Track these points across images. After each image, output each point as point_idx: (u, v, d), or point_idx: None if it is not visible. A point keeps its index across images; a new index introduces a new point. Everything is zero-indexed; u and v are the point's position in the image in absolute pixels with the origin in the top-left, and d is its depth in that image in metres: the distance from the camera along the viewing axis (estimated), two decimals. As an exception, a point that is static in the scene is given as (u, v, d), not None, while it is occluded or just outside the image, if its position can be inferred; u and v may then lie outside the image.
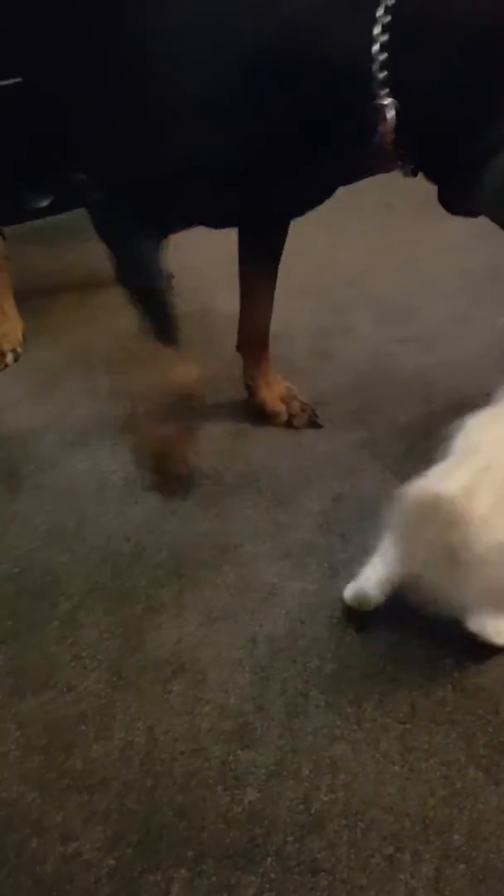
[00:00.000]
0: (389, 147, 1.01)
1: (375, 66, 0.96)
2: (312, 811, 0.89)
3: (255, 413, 1.43)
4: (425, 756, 0.93)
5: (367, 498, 1.23)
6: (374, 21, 0.95)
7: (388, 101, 0.98)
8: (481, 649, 1.02)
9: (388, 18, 0.95)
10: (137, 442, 1.31)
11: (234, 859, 0.85)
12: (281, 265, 1.34)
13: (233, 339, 1.42)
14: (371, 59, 0.96)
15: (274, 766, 0.93)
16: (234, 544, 1.20)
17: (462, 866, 0.84)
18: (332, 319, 1.69)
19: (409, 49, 0.95)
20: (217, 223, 1.23)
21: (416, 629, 1.04)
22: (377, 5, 0.95)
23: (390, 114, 0.98)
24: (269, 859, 0.85)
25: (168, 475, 1.27)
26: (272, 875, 0.84)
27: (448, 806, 0.89)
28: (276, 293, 1.37)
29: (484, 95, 0.96)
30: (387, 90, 0.97)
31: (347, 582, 1.08)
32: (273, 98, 1.02)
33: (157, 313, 1.22)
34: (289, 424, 1.41)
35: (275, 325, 1.41)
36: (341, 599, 1.08)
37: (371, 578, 1.05)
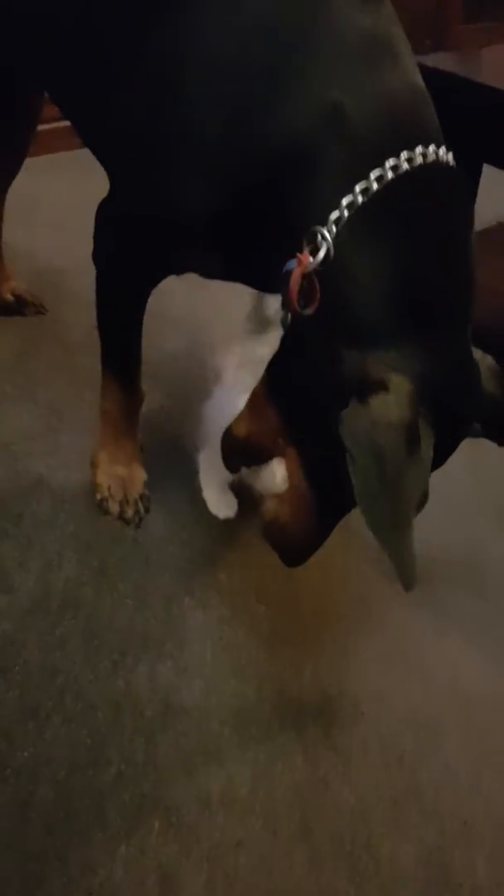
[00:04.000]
0: (294, 282, 0.86)
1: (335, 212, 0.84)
2: (56, 633, 1.11)
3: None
4: (150, 591, 1.17)
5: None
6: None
7: (326, 234, 0.84)
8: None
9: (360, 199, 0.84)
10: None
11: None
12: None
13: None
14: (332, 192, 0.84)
15: (28, 605, 1.14)
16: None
17: (169, 663, 1.09)
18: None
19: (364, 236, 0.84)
20: (204, 273, 1.11)
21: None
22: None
23: (321, 252, 0.84)
24: (17, 667, 1.07)
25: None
26: (18, 678, 1.05)
27: (163, 624, 1.14)
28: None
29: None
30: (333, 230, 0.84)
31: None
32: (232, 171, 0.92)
33: (120, 348, 1.21)
34: None
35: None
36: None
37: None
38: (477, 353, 0.90)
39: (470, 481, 1.39)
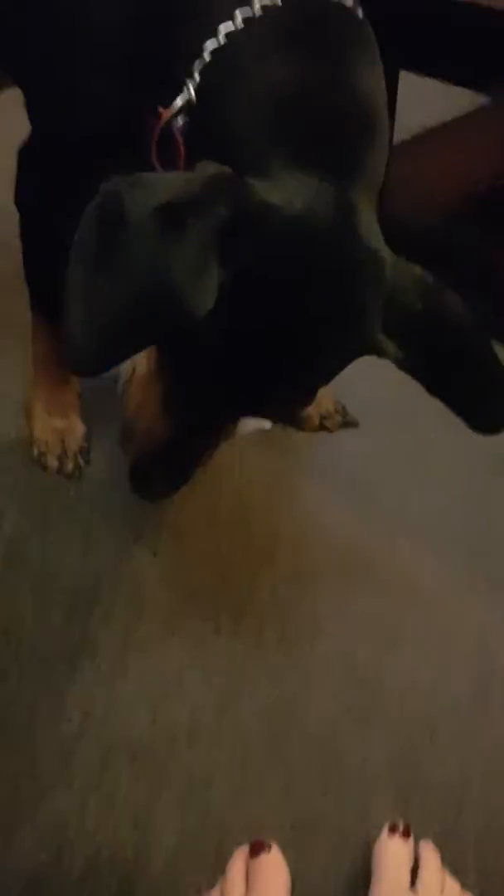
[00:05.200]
0: (153, 137, 0.83)
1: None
2: (4, 591, 1.09)
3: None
4: (98, 538, 1.15)
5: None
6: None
7: (188, 82, 0.80)
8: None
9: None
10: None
11: None
12: None
13: None
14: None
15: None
16: None
17: (123, 608, 1.08)
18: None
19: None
20: None
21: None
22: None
23: (178, 101, 0.80)
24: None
25: None
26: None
27: (113, 570, 1.12)
28: None
29: None
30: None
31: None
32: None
33: (50, 291, 1.17)
34: None
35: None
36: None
37: None
38: (402, 263, 0.81)
39: (414, 386, 1.36)
